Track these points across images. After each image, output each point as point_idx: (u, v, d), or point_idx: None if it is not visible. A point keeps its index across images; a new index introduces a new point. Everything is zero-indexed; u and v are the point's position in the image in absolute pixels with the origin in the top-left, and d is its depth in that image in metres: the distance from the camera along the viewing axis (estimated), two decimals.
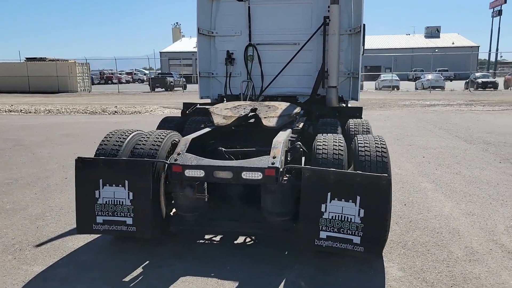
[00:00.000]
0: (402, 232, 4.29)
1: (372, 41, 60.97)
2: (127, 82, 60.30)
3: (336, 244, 3.25)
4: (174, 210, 3.96)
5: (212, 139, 4.41)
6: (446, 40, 65.99)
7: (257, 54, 6.79)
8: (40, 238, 4.18)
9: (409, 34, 72.96)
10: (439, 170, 6.93)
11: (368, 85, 39.46)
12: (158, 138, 3.86)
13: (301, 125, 4.64)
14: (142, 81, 63.32)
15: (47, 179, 6.46)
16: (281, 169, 3.30)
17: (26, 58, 40.07)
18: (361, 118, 5.68)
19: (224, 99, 6.94)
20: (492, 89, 34.02)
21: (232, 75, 6.92)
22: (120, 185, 3.49)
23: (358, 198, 3.16)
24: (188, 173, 3.38)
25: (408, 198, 5.38)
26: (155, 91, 38.20)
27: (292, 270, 3.48)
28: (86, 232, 3.68)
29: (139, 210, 3.49)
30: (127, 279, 3.37)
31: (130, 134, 4.05)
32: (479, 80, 34.94)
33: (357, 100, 6.61)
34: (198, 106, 5.67)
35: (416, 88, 37.48)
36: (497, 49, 58.08)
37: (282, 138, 3.74)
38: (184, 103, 6.41)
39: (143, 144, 3.80)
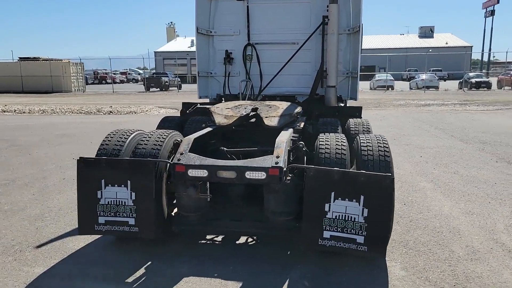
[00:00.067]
0: (403, 231, 4.31)
1: (367, 41, 61.12)
2: (121, 82, 60.07)
3: (340, 244, 3.25)
4: (175, 210, 3.95)
5: (213, 138, 4.39)
6: (439, 40, 66.37)
7: (256, 53, 6.78)
8: (40, 239, 4.14)
9: (403, 34, 73.31)
10: (437, 169, 6.96)
11: (363, 85, 39.47)
12: (159, 138, 3.85)
13: (302, 124, 4.64)
14: (137, 81, 63.11)
15: (45, 179, 6.41)
16: (284, 169, 3.29)
17: (20, 58, 39.75)
18: (361, 117, 5.70)
19: (223, 98, 6.93)
20: (485, 89, 34.27)
21: (231, 75, 6.91)
22: (122, 185, 3.47)
23: (362, 197, 3.16)
24: (192, 173, 3.36)
25: (408, 198, 5.39)
26: (150, 91, 38.06)
27: (295, 270, 3.48)
28: (88, 233, 3.65)
29: (142, 210, 3.48)
30: (130, 279, 3.35)
31: (132, 134, 4.03)
32: (473, 80, 35.17)
33: (356, 100, 6.62)
34: (198, 105, 5.64)
35: (411, 88, 37.65)
36: (490, 49, 58.58)
37: (285, 138, 3.74)
38: (183, 103, 6.39)
39: (144, 144, 3.78)
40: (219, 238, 4.14)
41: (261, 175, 3.27)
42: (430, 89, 34.86)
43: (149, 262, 3.63)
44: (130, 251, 3.85)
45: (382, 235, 3.20)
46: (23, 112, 18.70)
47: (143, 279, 3.36)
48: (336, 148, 3.59)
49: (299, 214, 3.58)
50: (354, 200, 3.18)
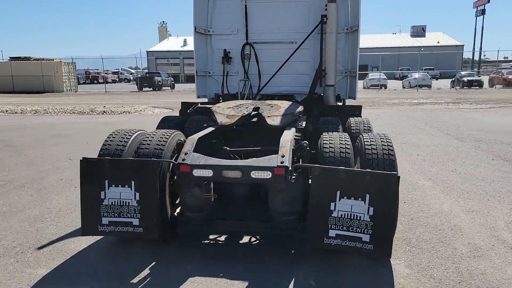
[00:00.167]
0: (405, 229, 4.33)
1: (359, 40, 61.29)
2: (113, 81, 59.70)
3: (345, 243, 3.26)
4: (178, 210, 3.94)
5: (215, 138, 4.38)
6: (431, 39, 66.79)
7: (254, 52, 6.78)
8: (41, 241, 4.10)
9: (395, 33, 73.64)
10: (434, 167, 7.01)
11: None
12: (162, 137, 3.83)
13: (303, 123, 4.64)
14: (129, 80, 62.78)
15: (42, 180, 6.35)
16: (290, 168, 3.29)
17: (10, 58, 39.36)
18: (361, 116, 5.71)
19: (220, 98, 6.91)
20: (477, 87, 34.57)
21: (229, 74, 6.90)
22: (126, 186, 3.44)
23: (368, 196, 3.17)
24: (196, 172, 3.34)
25: (408, 196, 5.42)
26: (142, 91, 37.89)
27: (300, 269, 3.48)
28: (91, 234, 3.62)
29: (146, 210, 3.46)
30: (135, 280, 3.32)
31: (134, 134, 4.01)
32: (465, 79, 35.45)
33: (354, 99, 6.64)
34: (199, 105, 5.63)
35: (404, 87, 37.87)
36: (480, 48, 59.02)
37: (289, 137, 3.74)
38: (182, 103, 6.36)
39: (147, 143, 3.76)
40: (222, 238, 4.13)
41: (267, 175, 3.27)
42: (423, 88, 35.11)
43: (153, 263, 3.61)
44: (133, 251, 3.83)
45: (388, 233, 3.20)
46: (15, 113, 18.51)
47: (148, 279, 3.34)
48: (340, 147, 3.59)
49: (303, 213, 3.59)
50: (360, 198, 3.18)
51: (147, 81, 39.62)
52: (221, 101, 6.86)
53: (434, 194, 5.51)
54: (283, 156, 3.35)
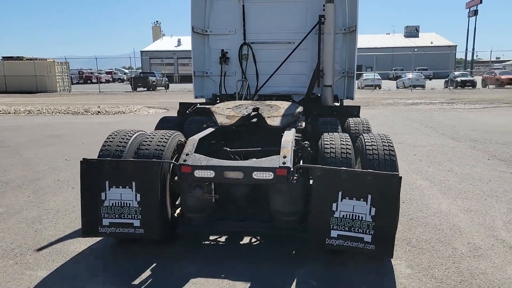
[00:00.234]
0: (405, 229, 4.34)
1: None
2: (107, 81, 59.42)
3: (347, 243, 3.26)
4: (178, 211, 3.92)
5: (215, 139, 4.37)
6: (424, 39, 67.18)
7: (252, 53, 6.77)
8: (40, 242, 4.07)
9: (389, 34, 73.98)
10: (431, 167, 7.04)
11: None
12: (163, 138, 3.81)
13: (303, 124, 4.64)
14: (122, 80, 62.53)
15: (39, 181, 6.30)
16: (292, 169, 3.29)
17: (3, 57, 39.03)
18: (359, 116, 5.73)
19: (218, 98, 6.90)
20: (470, 87, 34.83)
21: (227, 74, 6.88)
22: (127, 187, 3.43)
23: (370, 196, 3.18)
24: (198, 173, 3.33)
25: (406, 196, 5.44)
26: (137, 91, 37.74)
27: (302, 270, 3.48)
28: (92, 235, 3.60)
29: (147, 211, 3.44)
30: (136, 282, 3.31)
31: (134, 134, 3.99)
32: (458, 79, 35.70)
33: (352, 99, 6.66)
34: (198, 106, 5.61)
35: (398, 87, 38.05)
36: (473, 48, 59.44)
37: (290, 138, 3.74)
38: (180, 103, 6.34)
39: (147, 144, 3.75)
40: (223, 239, 4.12)
41: (269, 175, 3.26)
42: (417, 88, 35.31)
43: (154, 264, 3.59)
44: (133, 253, 3.81)
45: (389, 233, 3.21)
46: (8, 113, 18.35)
47: (150, 280, 3.32)
48: (341, 148, 3.60)
49: (304, 214, 3.59)
50: (362, 199, 3.19)
51: (141, 81, 39.45)
52: (218, 101, 6.86)
53: (432, 194, 5.54)
54: (285, 157, 3.35)
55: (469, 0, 59.72)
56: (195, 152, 3.59)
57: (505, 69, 41.34)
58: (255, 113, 4.48)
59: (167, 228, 3.61)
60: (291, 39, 6.64)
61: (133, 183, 3.42)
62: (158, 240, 3.71)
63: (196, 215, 3.64)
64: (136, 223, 3.46)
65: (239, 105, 4.84)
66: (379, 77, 38.56)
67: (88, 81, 56.35)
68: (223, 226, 3.77)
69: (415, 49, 46.29)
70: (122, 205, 3.45)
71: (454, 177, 6.40)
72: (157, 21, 79.51)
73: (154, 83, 39.23)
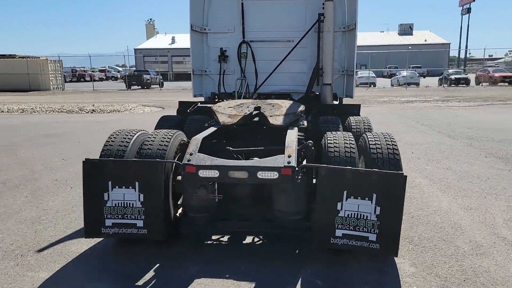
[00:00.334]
0: (407, 227, 4.34)
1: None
2: (100, 79, 59.08)
3: (352, 242, 3.26)
4: (179, 210, 3.90)
5: (217, 138, 4.35)
6: (418, 37, 67.43)
7: (251, 51, 6.75)
8: (40, 243, 4.03)
9: (383, 31, 74.16)
10: (429, 165, 7.07)
11: None
12: (165, 138, 3.79)
13: (305, 123, 4.63)
14: (116, 78, 62.14)
15: (36, 181, 6.24)
16: (297, 168, 3.28)
17: None
18: (359, 115, 5.73)
19: (216, 97, 6.88)
20: (464, 85, 35.02)
21: (225, 73, 6.86)
22: (130, 187, 3.40)
23: (375, 195, 3.18)
24: (202, 173, 3.31)
25: (406, 194, 5.37)
26: (131, 89, 37.53)
27: (306, 269, 3.47)
28: (94, 236, 3.57)
29: (151, 212, 3.42)
30: (140, 283, 3.28)
31: (135, 134, 3.96)
32: (452, 77, 35.90)
33: (351, 97, 6.66)
34: (199, 104, 5.58)
35: (392, 85, 38.14)
36: (466, 46, 59.81)
37: (294, 137, 3.73)
38: (180, 102, 6.31)
39: (150, 144, 3.72)
40: (225, 239, 4.10)
41: (274, 175, 3.25)
42: (411, 85, 35.44)
43: (157, 264, 3.56)
44: (136, 253, 3.78)
45: (394, 232, 3.21)
46: (2, 111, 18.19)
47: (153, 281, 3.30)
48: (345, 147, 3.59)
49: (308, 213, 3.59)
50: (367, 198, 3.19)
51: (135, 79, 39.16)
52: (216, 100, 6.83)
53: (431, 192, 5.56)
54: (289, 156, 3.34)
55: None
56: (198, 151, 3.57)
57: (498, 67, 41.60)
58: (257, 112, 4.46)
59: (169, 228, 3.59)
60: (290, 38, 6.62)
61: (136, 183, 3.39)
62: (161, 240, 3.69)
63: (200, 215, 3.62)
64: (139, 223, 3.44)
65: (241, 104, 4.82)
66: (374, 75, 38.65)
67: (82, 79, 55.95)
68: (226, 226, 3.76)
69: (409, 47, 46.43)
70: (125, 206, 3.42)
71: (453, 175, 6.42)
72: (150, 19, 79.17)
73: (148, 81, 38.98)
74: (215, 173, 3.31)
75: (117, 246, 3.95)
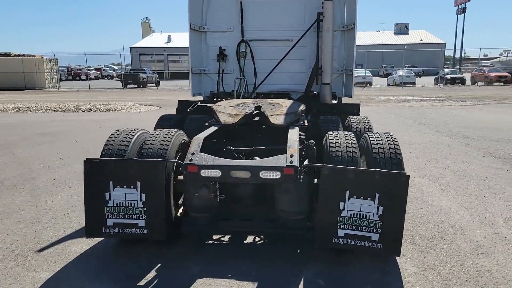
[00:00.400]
0: (407, 227, 4.34)
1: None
2: (96, 78, 58.86)
3: (354, 242, 3.26)
4: (180, 210, 3.88)
5: (217, 137, 4.33)
6: (414, 36, 67.62)
7: (250, 50, 6.73)
8: (40, 243, 4.00)
9: (379, 31, 74.34)
10: (428, 165, 7.09)
11: None
12: (166, 137, 3.77)
13: (306, 122, 4.63)
14: (112, 77, 61.91)
15: (34, 180, 6.20)
16: (299, 168, 3.27)
17: None
18: (359, 114, 5.73)
19: (215, 96, 6.86)
20: (460, 84, 35.16)
21: (224, 72, 6.84)
22: (132, 187, 3.38)
23: (377, 195, 3.18)
24: (204, 173, 3.30)
25: None
26: (127, 88, 37.42)
27: (308, 269, 3.47)
28: (95, 236, 3.55)
29: (152, 212, 3.40)
30: (141, 283, 3.27)
31: (136, 133, 3.93)
32: (448, 76, 36.03)
33: (351, 97, 6.66)
34: (199, 104, 5.56)
35: (388, 84, 38.24)
36: (461, 46, 60.05)
37: (296, 137, 3.72)
38: (179, 101, 6.28)
39: (151, 143, 3.70)
40: (226, 238, 4.09)
41: (276, 175, 3.24)
42: (407, 85, 35.55)
43: (159, 264, 3.55)
44: (137, 253, 3.76)
45: (397, 232, 3.21)
46: None
47: (155, 282, 3.29)
48: (347, 146, 3.58)
49: (310, 213, 3.58)
50: (369, 198, 3.19)
51: (131, 78, 39.03)
52: (215, 99, 6.81)
53: (431, 192, 5.57)
54: (291, 156, 3.33)
55: None
56: (200, 151, 3.56)
57: (493, 66, 41.82)
58: (257, 111, 4.45)
59: (171, 228, 3.58)
60: (289, 37, 6.61)
61: (138, 183, 3.38)
62: (162, 240, 3.67)
63: (201, 214, 3.61)
64: (141, 223, 3.42)
65: (241, 103, 4.81)
66: (370, 74, 38.72)
67: (77, 78, 55.70)
68: (228, 226, 3.75)
69: (405, 47, 46.57)
70: (127, 205, 3.41)
71: (451, 174, 6.45)
72: (146, 17, 79.09)
73: (144, 80, 38.85)
74: (217, 173, 3.30)
75: (118, 246, 3.93)
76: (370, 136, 3.74)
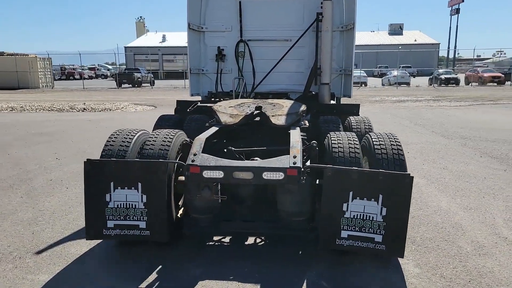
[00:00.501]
0: (408, 228, 4.30)
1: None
2: (90, 77, 58.58)
3: (358, 243, 3.24)
4: (180, 211, 3.85)
5: (218, 138, 4.30)
6: (408, 37, 67.93)
7: (249, 50, 6.70)
8: (38, 245, 3.94)
9: (373, 31, 74.57)
10: (426, 165, 7.10)
11: None
12: (167, 138, 3.73)
13: (307, 123, 4.61)
14: (106, 76, 61.67)
15: (31, 181, 6.13)
16: (302, 169, 3.25)
17: None
18: (359, 114, 5.72)
19: (213, 96, 6.82)
20: (454, 85, 35.37)
21: (223, 72, 6.80)
22: (133, 188, 3.34)
23: (381, 196, 3.16)
24: (207, 174, 3.27)
25: None
26: (122, 87, 37.23)
27: (310, 270, 3.44)
28: (96, 238, 3.51)
29: (154, 213, 3.36)
30: (143, 285, 3.23)
31: (136, 133, 3.89)
32: (442, 77, 36.24)
33: (349, 97, 6.65)
34: (199, 104, 5.52)
35: (383, 84, 38.38)
36: (455, 46, 60.42)
37: (298, 137, 3.70)
38: (177, 101, 6.24)
39: (151, 144, 3.66)
40: (227, 239, 4.05)
41: (279, 176, 3.22)
42: (402, 85, 35.69)
43: (160, 266, 3.51)
44: (137, 254, 3.72)
45: (400, 233, 3.20)
46: None
47: (156, 284, 3.25)
48: (349, 147, 3.57)
49: (312, 214, 3.56)
50: (373, 199, 3.17)
51: (126, 77, 38.84)
52: (213, 99, 6.78)
53: (430, 192, 5.57)
54: (295, 157, 3.31)
55: None
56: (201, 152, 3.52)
57: (487, 67, 42.10)
58: (258, 111, 4.42)
59: (172, 229, 3.54)
60: (288, 37, 6.59)
61: (139, 184, 3.34)
62: (163, 242, 3.63)
63: (203, 216, 3.57)
64: (142, 225, 3.39)
65: (241, 103, 4.78)
66: (365, 74, 38.82)
67: (71, 77, 55.40)
68: (229, 227, 3.72)
69: (400, 47, 46.75)
70: (128, 207, 3.37)
71: (450, 174, 6.46)
72: (140, 17, 78.71)
73: (139, 79, 38.68)
74: (219, 174, 3.26)
75: (118, 247, 3.89)
76: (372, 137, 3.73)
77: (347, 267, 3.48)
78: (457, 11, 59.69)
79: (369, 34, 71.84)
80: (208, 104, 5.20)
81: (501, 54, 66.16)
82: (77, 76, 54.27)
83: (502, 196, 5.39)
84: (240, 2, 6.56)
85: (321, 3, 6.22)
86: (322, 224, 3.28)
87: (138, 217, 3.38)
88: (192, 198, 3.48)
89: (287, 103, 4.78)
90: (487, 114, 15.02)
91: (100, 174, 3.35)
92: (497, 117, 14.04)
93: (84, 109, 18.03)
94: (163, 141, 3.69)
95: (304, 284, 3.25)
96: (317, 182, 3.53)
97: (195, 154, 3.40)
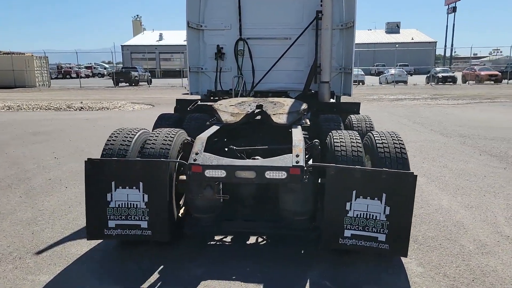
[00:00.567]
0: None
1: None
2: (87, 76, 58.39)
3: (361, 242, 3.23)
4: (181, 211, 3.83)
5: (218, 136, 4.27)
6: (405, 35, 67.95)
7: (248, 48, 6.67)
8: (38, 245, 3.91)
9: (370, 30, 74.59)
10: (425, 163, 7.09)
11: None
12: (167, 137, 3.71)
13: (308, 121, 4.58)
14: (102, 75, 61.48)
15: (29, 180, 6.09)
16: (305, 168, 3.23)
17: None
18: (359, 113, 5.70)
19: (212, 95, 6.79)
20: (451, 83, 35.44)
21: (222, 70, 6.76)
22: (134, 187, 3.31)
23: (384, 195, 3.14)
24: (209, 173, 3.24)
25: None
26: (119, 86, 37.12)
27: (313, 270, 3.43)
28: (97, 238, 3.48)
29: (155, 213, 3.34)
30: (144, 285, 3.20)
31: (137, 133, 3.86)
32: (440, 75, 36.32)
33: (349, 96, 6.63)
34: (199, 102, 5.49)
35: (380, 83, 38.42)
36: (452, 45, 60.55)
37: (300, 136, 3.67)
38: (177, 100, 6.21)
39: (152, 143, 3.63)
40: (228, 239, 4.03)
41: (282, 175, 3.19)
42: (399, 83, 35.73)
43: (161, 266, 3.48)
44: (138, 255, 3.69)
45: (404, 232, 3.19)
46: None
47: (159, 284, 3.22)
48: (352, 146, 3.55)
49: (314, 213, 3.54)
50: (376, 198, 3.16)
51: (123, 76, 38.72)
52: (212, 98, 6.74)
53: (430, 190, 5.57)
54: (297, 156, 3.29)
55: None
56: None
57: (484, 65, 42.21)
58: (259, 110, 4.39)
59: (173, 229, 3.52)
60: (287, 35, 6.56)
61: (141, 184, 3.31)
62: (165, 241, 3.60)
63: (205, 215, 3.55)
64: (144, 224, 3.36)
65: (242, 102, 4.75)
66: (362, 72, 38.83)
67: (67, 76, 55.22)
68: (231, 226, 3.70)
69: (397, 45, 46.80)
70: (129, 206, 3.34)
71: (450, 173, 6.45)
72: (137, 15, 78.42)
73: (136, 78, 38.58)
74: (222, 173, 3.24)
75: (119, 247, 3.86)
76: (375, 135, 3.71)
77: (349, 267, 3.46)
78: (454, 9, 59.81)
79: (366, 33, 71.82)
80: (208, 103, 5.16)
81: (498, 52, 66.34)
82: (73, 75, 54.11)
83: (503, 194, 5.39)
84: (239, 0, 6.53)
85: (321, 1, 6.18)
86: (325, 223, 3.26)
87: (140, 216, 3.35)
88: (194, 198, 3.46)
89: (288, 102, 4.76)
90: (484, 112, 15.05)
91: (101, 174, 3.32)
92: (494, 115, 14.06)
93: (82, 108, 17.95)
94: (164, 140, 3.66)
95: (307, 284, 3.23)
96: (319, 181, 3.51)
97: (197, 153, 3.38)
